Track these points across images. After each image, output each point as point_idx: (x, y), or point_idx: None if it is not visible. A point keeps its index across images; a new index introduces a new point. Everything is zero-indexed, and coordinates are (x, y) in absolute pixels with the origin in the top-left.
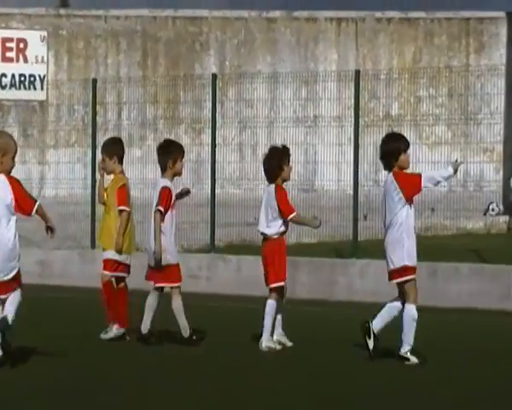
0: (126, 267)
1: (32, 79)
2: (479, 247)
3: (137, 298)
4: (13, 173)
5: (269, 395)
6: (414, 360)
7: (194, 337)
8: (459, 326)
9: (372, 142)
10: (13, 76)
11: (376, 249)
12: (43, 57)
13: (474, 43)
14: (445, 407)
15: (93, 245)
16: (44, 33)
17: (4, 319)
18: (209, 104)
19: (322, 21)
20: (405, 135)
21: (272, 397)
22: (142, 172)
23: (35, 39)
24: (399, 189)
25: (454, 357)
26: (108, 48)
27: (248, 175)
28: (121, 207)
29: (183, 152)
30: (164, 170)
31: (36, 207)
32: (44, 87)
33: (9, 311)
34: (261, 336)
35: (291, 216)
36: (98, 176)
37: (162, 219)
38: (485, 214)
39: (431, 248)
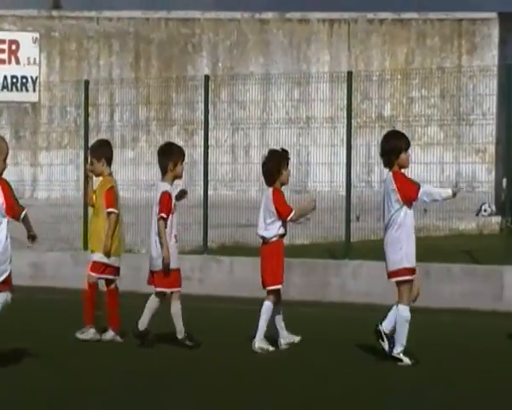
0: (115, 270)
1: (24, 80)
2: (471, 248)
3: (128, 300)
4: (4, 175)
5: (265, 394)
6: (406, 360)
7: (187, 343)
8: (451, 327)
9: (365, 143)
10: (5, 78)
11: (369, 250)
12: (35, 59)
13: (466, 44)
14: (438, 407)
15: (85, 247)
16: (36, 35)
17: None
18: (202, 106)
19: (315, 23)
20: None
21: (269, 397)
22: (134, 173)
23: (27, 41)
24: (396, 190)
25: (446, 358)
26: (101, 49)
27: (241, 177)
28: (109, 210)
29: (184, 155)
30: (164, 173)
31: (23, 214)
32: (37, 89)
33: None
34: (254, 337)
35: (290, 216)
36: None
37: (166, 225)
38: (477, 215)
39: (423, 248)
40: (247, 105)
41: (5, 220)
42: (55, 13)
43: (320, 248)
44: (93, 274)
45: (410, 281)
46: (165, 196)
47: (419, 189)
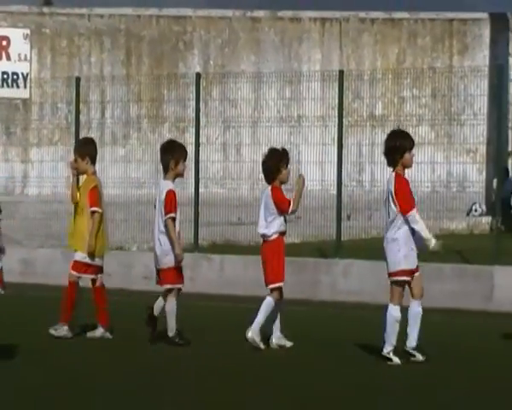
0: (97, 269)
1: (15, 77)
2: (461, 247)
3: (119, 297)
4: None
5: (256, 394)
6: (396, 360)
7: (177, 341)
8: (442, 326)
9: (356, 142)
10: None
11: (359, 249)
12: (26, 55)
13: (457, 44)
14: (434, 407)
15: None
16: (27, 31)
17: None
18: (193, 103)
19: (307, 21)
20: None
21: (260, 397)
22: (125, 170)
23: (18, 37)
24: (394, 195)
25: (438, 357)
26: (92, 46)
27: (232, 175)
28: (93, 209)
29: (186, 153)
30: (166, 171)
31: None
32: (27, 85)
33: None
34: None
35: (291, 208)
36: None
37: (174, 224)
38: (468, 215)
39: None
40: (239, 103)
41: None
42: (45, 9)
43: (311, 247)
44: (74, 273)
45: (406, 282)
46: (171, 195)
47: (411, 209)
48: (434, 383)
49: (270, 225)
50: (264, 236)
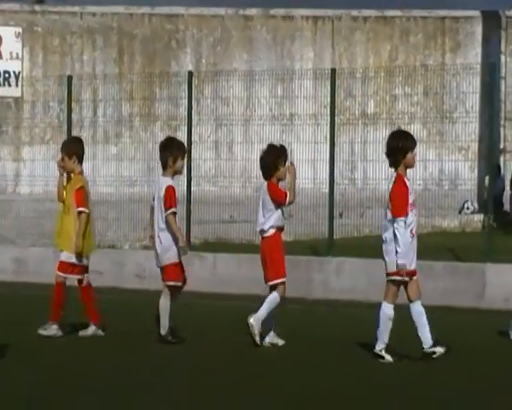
0: (84, 269)
1: (6, 75)
2: (453, 245)
3: (111, 295)
4: None
5: (252, 392)
6: (388, 358)
7: (169, 339)
8: (434, 324)
9: (348, 140)
10: None
11: (352, 247)
12: (17, 54)
13: (449, 41)
14: (432, 404)
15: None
16: (19, 29)
17: None
18: (185, 102)
19: (299, 19)
20: (381, 133)
21: (258, 394)
22: (117, 169)
23: (10, 35)
24: (389, 194)
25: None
26: (84, 45)
27: (224, 173)
28: (80, 209)
29: (185, 151)
30: (165, 168)
31: None
32: (19, 84)
33: None
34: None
35: (287, 199)
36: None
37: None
38: (460, 213)
39: None
40: (231, 101)
41: None
42: (37, 7)
43: (303, 245)
44: (61, 274)
45: (402, 282)
46: (170, 191)
47: (401, 216)
48: (430, 379)
49: (267, 221)
50: (261, 232)
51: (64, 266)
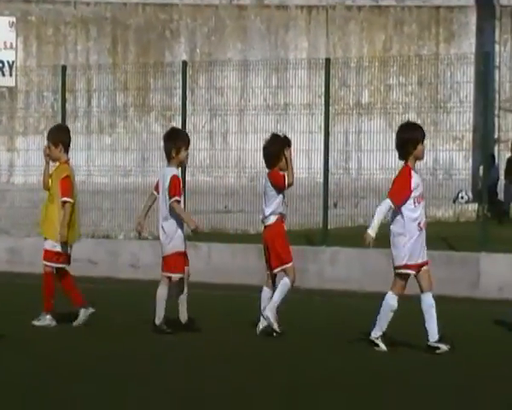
0: (67, 257)
1: (0, 65)
2: (448, 235)
3: (105, 285)
4: None
5: (248, 381)
6: (382, 347)
7: (164, 328)
8: None
9: (342, 130)
10: None
11: (346, 237)
12: (11, 43)
13: (443, 31)
14: (431, 392)
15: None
16: (13, 19)
17: None
18: (179, 92)
19: (293, 9)
20: (375, 123)
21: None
22: (111, 159)
23: (3, 25)
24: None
25: (424, 344)
26: (78, 34)
27: (219, 163)
28: (64, 199)
29: (188, 141)
30: (169, 158)
31: None
32: (13, 73)
33: None
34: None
35: (287, 181)
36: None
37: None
38: (454, 202)
39: None
40: (225, 91)
41: None
42: None
43: (297, 235)
44: (48, 263)
45: (409, 275)
46: (175, 180)
47: (390, 198)
48: (425, 369)
49: (269, 208)
50: (263, 219)
51: (49, 255)
